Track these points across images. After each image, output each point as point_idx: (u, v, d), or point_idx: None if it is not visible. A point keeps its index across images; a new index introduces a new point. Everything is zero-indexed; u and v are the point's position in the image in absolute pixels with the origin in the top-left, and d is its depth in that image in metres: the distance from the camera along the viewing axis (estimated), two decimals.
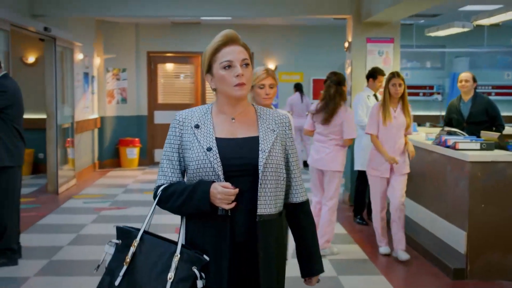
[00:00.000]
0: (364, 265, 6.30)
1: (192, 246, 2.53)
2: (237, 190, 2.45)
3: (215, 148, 2.51)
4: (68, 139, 10.81)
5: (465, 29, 9.64)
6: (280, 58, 14.23)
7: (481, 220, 5.78)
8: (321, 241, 6.25)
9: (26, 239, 6.87)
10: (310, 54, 14.08)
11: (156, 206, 2.60)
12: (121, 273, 2.47)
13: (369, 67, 9.18)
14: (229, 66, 2.55)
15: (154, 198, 2.61)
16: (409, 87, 13.76)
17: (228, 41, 2.58)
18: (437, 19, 12.66)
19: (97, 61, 12.93)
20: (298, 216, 2.71)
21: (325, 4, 9.45)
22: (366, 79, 8.11)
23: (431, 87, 14.22)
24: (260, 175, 2.51)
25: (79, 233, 7.48)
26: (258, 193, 2.51)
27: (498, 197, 5.79)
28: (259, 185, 2.51)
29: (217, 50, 2.58)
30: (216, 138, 2.55)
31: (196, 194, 2.48)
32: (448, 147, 6.23)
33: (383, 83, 7.14)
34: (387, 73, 8.25)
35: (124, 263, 2.47)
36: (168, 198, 2.56)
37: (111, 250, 2.53)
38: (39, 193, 10.12)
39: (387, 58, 9.22)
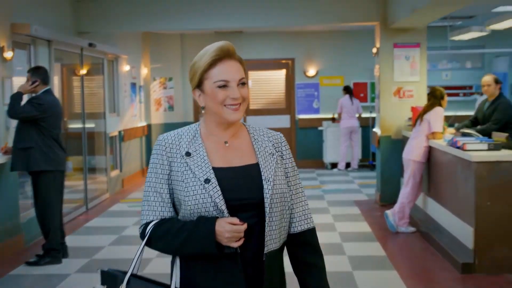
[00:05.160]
0: (380, 261, 6.68)
1: None
2: (245, 225, 2.18)
3: (214, 180, 2.23)
4: (114, 147, 11.48)
5: (483, 33, 9.89)
6: (321, 63, 14.62)
7: (487, 216, 6.10)
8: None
9: (72, 240, 7.50)
10: (350, 58, 14.45)
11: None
12: None
13: (396, 72, 9.54)
14: (224, 86, 2.27)
15: (142, 237, 2.31)
16: (450, 87, 14.09)
17: (225, 56, 2.28)
18: (473, 20, 12.85)
19: (144, 71, 13.59)
20: (299, 247, 2.40)
21: (354, 12, 9.81)
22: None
23: (470, 87, 14.39)
24: (267, 207, 2.25)
25: (120, 234, 8.07)
26: (266, 228, 2.25)
27: (503, 195, 6.10)
28: (267, 218, 2.25)
29: (211, 65, 2.28)
30: (212, 167, 2.27)
31: (198, 233, 2.19)
32: (458, 148, 6.57)
33: None
34: (413, 78, 8.85)
35: None
36: (161, 238, 2.26)
37: None
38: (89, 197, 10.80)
39: (414, 62, 9.52)
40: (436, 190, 7.60)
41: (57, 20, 9.15)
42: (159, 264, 6.42)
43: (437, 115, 7.58)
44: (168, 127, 14.06)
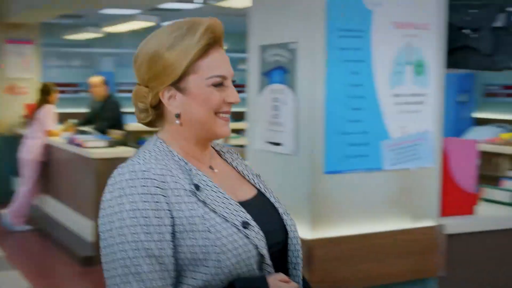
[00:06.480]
0: None
1: None
2: (295, 284, 1.57)
3: (252, 222, 1.54)
4: None
5: (99, 35, 10.34)
6: None
7: None
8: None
9: None
10: None
11: None
12: None
13: (10, 69, 9.35)
14: (220, 84, 1.57)
15: None
16: (60, 84, 14.11)
17: (216, 41, 1.58)
18: (82, 20, 13.17)
19: None
20: None
21: None
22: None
23: (76, 85, 14.71)
24: (297, 250, 1.66)
25: None
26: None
27: None
28: (292, 264, 1.67)
29: (203, 53, 1.55)
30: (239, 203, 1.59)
31: None
32: (77, 145, 6.76)
33: None
34: (26, 75, 8.75)
35: None
36: None
37: None
38: None
39: (27, 59, 9.44)
40: (55, 188, 7.69)
41: None
42: None
43: (48, 113, 7.71)
44: None
